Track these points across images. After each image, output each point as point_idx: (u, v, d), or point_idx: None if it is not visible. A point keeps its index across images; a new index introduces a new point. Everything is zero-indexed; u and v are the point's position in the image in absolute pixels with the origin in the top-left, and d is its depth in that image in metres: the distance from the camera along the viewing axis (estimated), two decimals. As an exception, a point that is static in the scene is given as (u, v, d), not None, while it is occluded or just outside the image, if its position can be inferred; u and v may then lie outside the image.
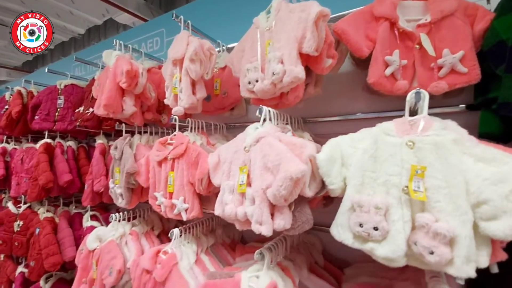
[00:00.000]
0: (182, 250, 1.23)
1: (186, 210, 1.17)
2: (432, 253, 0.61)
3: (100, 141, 1.84)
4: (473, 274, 0.59)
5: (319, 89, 1.13)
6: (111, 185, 1.54)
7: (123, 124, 1.55)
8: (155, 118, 1.68)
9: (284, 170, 0.74)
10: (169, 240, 1.63)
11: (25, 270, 2.23)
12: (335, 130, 1.04)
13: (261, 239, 1.47)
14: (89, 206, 1.86)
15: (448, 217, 0.60)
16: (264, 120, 0.99)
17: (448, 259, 0.59)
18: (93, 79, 1.93)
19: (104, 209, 2.21)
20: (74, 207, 2.21)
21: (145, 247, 1.48)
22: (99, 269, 1.39)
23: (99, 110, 1.56)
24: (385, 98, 1.13)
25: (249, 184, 0.90)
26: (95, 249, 1.47)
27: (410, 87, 0.88)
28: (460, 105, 1.02)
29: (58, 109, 2.04)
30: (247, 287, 0.93)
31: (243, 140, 0.98)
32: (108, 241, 1.44)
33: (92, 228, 1.77)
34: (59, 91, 2.07)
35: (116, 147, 1.50)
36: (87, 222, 1.83)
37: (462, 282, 0.76)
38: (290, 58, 0.89)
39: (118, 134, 1.97)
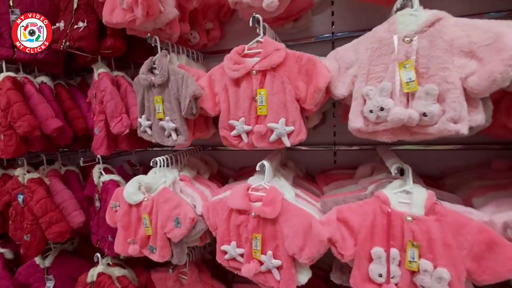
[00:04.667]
0: (277, 183, 1.04)
1: (289, 135, 0.95)
2: None
3: (102, 69, 1.36)
4: None
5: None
6: (144, 122, 1.18)
7: (156, 37, 1.12)
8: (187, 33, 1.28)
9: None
10: (224, 183, 1.41)
11: (4, 250, 1.75)
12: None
13: (336, 167, 1.37)
14: (99, 157, 1.43)
15: None
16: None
17: None
18: (72, -20, 1.34)
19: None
20: (61, 165, 1.72)
21: (204, 192, 1.24)
22: (158, 222, 1.11)
23: (113, 16, 1.10)
24: None
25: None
26: (141, 202, 1.16)
27: None
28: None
29: (16, 28, 1.41)
30: (397, 204, 0.83)
31: (391, 31, 0.78)
32: (161, 189, 1.14)
33: (113, 182, 1.39)
34: (11, 1, 1.40)
35: (151, 68, 1.11)
36: (101, 176, 1.42)
37: None
38: None
39: (120, 64, 1.51)
